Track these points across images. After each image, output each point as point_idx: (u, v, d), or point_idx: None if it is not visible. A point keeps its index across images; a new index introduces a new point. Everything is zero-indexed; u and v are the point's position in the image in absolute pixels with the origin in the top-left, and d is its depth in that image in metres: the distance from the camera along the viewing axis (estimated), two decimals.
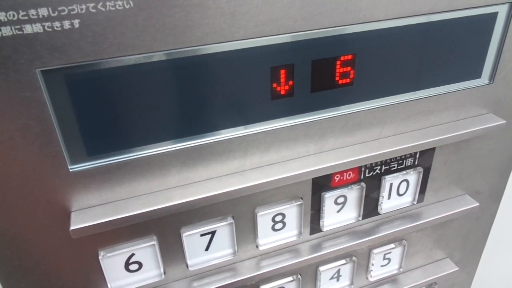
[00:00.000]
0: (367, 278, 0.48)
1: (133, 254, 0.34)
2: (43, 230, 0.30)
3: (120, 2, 0.24)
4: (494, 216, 0.51)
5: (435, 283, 0.52)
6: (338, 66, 0.32)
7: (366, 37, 0.31)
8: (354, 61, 0.32)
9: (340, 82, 0.33)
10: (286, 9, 0.28)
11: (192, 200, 0.32)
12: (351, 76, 0.33)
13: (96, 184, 0.30)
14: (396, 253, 0.48)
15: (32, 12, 0.22)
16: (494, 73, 0.38)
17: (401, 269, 0.49)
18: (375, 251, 0.46)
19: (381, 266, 0.48)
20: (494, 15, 0.35)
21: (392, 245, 0.47)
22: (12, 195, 0.28)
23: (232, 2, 0.26)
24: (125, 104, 0.28)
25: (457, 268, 0.51)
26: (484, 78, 0.38)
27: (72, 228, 0.29)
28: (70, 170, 0.28)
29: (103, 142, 0.28)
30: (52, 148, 0.27)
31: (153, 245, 0.34)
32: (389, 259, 0.48)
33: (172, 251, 0.36)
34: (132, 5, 0.24)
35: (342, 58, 0.32)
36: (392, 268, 0.49)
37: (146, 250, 0.34)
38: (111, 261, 0.33)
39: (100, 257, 0.33)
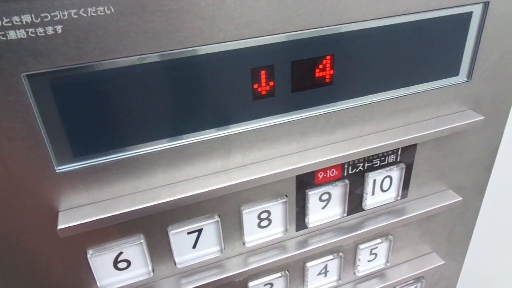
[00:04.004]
0: (354, 273, 0.49)
1: (121, 253, 0.35)
2: (32, 230, 0.31)
3: (101, 8, 0.25)
4: (478, 210, 0.52)
5: (423, 277, 0.54)
6: (317, 67, 0.33)
7: (344, 38, 0.32)
8: (333, 61, 0.33)
9: (320, 82, 0.34)
10: (264, 12, 0.29)
11: (178, 199, 0.32)
12: (331, 76, 0.34)
13: (83, 184, 0.31)
14: (382, 248, 0.49)
15: (16, 19, 0.23)
16: (471, 70, 0.39)
17: (388, 264, 0.50)
18: (361, 246, 0.47)
19: (368, 261, 0.49)
20: (469, 15, 0.36)
21: (379, 240, 0.48)
22: (0, 196, 0.29)
23: (211, 7, 0.27)
24: (110, 106, 0.28)
25: (443, 262, 0.52)
26: (462, 76, 0.39)
27: (59, 227, 0.29)
28: (57, 171, 0.29)
29: (89, 143, 0.29)
30: (39, 150, 0.28)
31: (141, 243, 0.35)
32: (375, 254, 0.49)
33: (160, 249, 0.36)
34: (113, 10, 0.25)
35: (321, 58, 0.32)
36: (379, 262, 0.50)
37: (134, 248, 0.35)
38: (100, 260, 0.34)
39: (88, 256, 0.33)
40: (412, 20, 0.34)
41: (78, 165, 0.30)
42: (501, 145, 0.46)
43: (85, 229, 0.30)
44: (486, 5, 0.35)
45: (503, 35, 0.38)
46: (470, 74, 0.39)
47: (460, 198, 0.46)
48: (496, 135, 0.45)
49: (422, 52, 0.36)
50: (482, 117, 0.40)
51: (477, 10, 0.36)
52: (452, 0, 0.34)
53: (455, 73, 0.39)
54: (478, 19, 0.36)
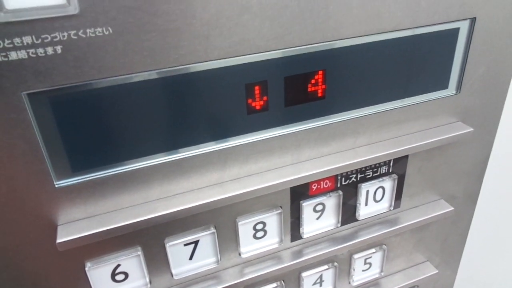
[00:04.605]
0: (349, 283, 0.50)
1: (119, 265, 0.35)
2: (31, 243, 0.31)
3: (99, 29, 0.26)
4: (470, 220, 0.53)
5: (417, 286, 0.54)
6: (309, 81, 0.34)
7: (335, 54, 0.33)
8: (325, 76, 0.34)
9: (313, 96, 0.34)
10: (258, 30, 0.30)
11: (174, 212, 0.33)
12: (323, 90, 0.35)
13: (81, 198, 0.31)
14: (376, 257, 0.49)
15: (17, 40, 0.24)
16: (460, 83, 0.40)
17: (382, 273, 0.51)
18: (355, 256, 0.47)
19: (363, 270, 0.50)
20: (456, 31, 0.37)
21: (373, 250, 0.48)
22: (0, 211, 0.29)
23: (205, 26, 0.28)
24: (108, 122, 0.29)
25: (437, 271, 0.53)
26: (451, 89, 0.40)
27: (58, 241, 0.30)
28: (56, 186, 0.30)
29: (87, 159, 0.30)
30: (38, 165, 0.29)
31: (138, 255, 0.35)
32: (370, 263, 0.49)
33: (157, 261, 0.37)
34: (111, 31, 0.26)
35: (313, 73, 0.33)
36: (374, 272, 0.51)
37: (131, 260, 0.36)
38: (98, 272, 0.35)
39: (86, 269, 0.34)
40: (401, 36, 0.35)
41: (77, 179, 0.30)
42: (492, 155, 0.47)
43: (84, 242, 0.31)
44: (473, 21, 0.37)
45: (489, 49, 0.39)
46: (459, 87, 0.40)
47: (452, 208, 0.47)
48: (486, 145, 0.46)
49: (412, 66, 0.37)
50: (471, 129, 0.41)
51: (464, 26, 0.37)
52: (439, 16, 0.35)
53: (445, 86, 0.40)
54: (466, 34, 0.37)
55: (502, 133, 0.47)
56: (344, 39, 0.33)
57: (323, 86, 0.34)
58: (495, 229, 0.68)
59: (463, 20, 0.36)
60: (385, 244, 0.49)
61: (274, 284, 0.45)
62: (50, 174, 0.29)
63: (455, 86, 0.40)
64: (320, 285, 0.48)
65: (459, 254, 0.56)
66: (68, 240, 0.30)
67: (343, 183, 0.41)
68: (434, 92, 0.40)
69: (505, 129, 0.48)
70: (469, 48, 0.38)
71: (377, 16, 0.33)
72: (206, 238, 0.38)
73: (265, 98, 0.33)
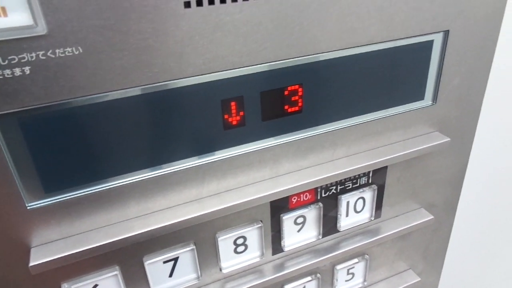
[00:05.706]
0: None
1: (96, 285, 0.35)
2: (3, 267, 0.31)
3: (69, 49, 0.25)
4: (451, 227, 0.54)
5: None
6: (286, 96, 0.34)
7: (311, 68, 0.34)
8: (301, 90, 0.34)
9: (289, 110, 0.34)
10: (232, 46, 0.30)
11: (152, 230, 0.33)
12: (299, 104, 0.35)
13: (55, 219, 0.31)
14: (359, 267, 0.49)
15: None
16: (436, 94, 0.40)
17: (365, 283, 0.51)
18: (338, 267, 0.47)
19: (346, 281, 0.50)
20: (430, 43, 0.37)
21: (355, 260, 0.48)
22: None
23: (179, 43, 0.28)
24: (80, 142, 0.29)
25: (419, 279, 0.53)
26: (428, 100, 0.41)
27: (31, 264, 0.29)
28: (28, 208, 0.29)
29: (60, 179, 0.29)
30: (8, 187, 0.28)
31: (116, 275, 0.35)
32: (353, 273, 0.49)
33: (136, 279, 0.36)
34: (81, 50, 0.25)
35: (289, 88, 0.33)
36: (357, 282, 0.51)
37: (109, 280, 0.35)
38: None
39: None
40: (376, 50, 0.35)
41: (50, 200, 0.30)
42: (469, 163, 0.48)
43: (58, 264, 0.30)
44: (446, 34, 0.37)
45: (463, 61, 0.39)
46: (435, 98, 0.41)
47: (432, 217, 0.48)
48: (463, 154, 0.47)
49: (388, 79, 0.37)
50: (449, 139, 0.42)
51: (438, 38, 0.37)
52: (413, 30, 0.35)
53: (421, 97, 0.40)
54: (440, 46, 0.38)
55: (479, 141, 0.47)
56: (319, 53, 0.33)
57: (300, 100, 0.34)
58: (476, 236, 0.69)
59: (437, 33, 0.37)
60: (367, 254, 0.49)
61: None
62: (22, 196, 0.28)
63: (431, 97, 0.41)
64: None
65: (441, 261, 0.57)
66: (42, 263, 0.30)
67: (323, 195, 0.41)
68: (411, 103, 0.40)
69: (482, 138, 0.48)
70: (443, 60, 0.38)
71: (352, 31, 0.33)
72: (185, 254, 0.37)
73: (241, 113, 0.33)
